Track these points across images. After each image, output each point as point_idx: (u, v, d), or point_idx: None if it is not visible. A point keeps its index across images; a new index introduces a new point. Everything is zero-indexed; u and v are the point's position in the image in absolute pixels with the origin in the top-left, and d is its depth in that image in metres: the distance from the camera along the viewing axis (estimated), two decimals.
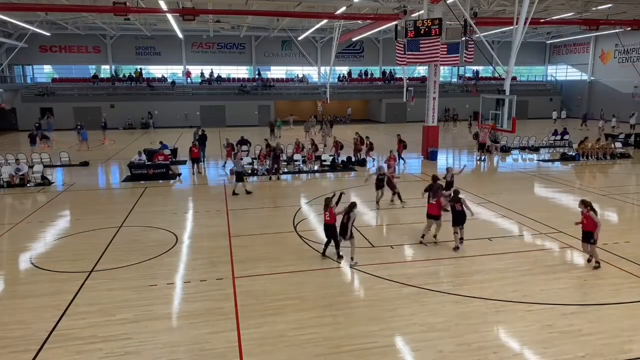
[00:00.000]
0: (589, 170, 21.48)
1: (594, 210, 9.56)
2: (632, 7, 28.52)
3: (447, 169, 14.53)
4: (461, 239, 11.09)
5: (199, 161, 21.26)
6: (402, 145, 21.73)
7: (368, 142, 23.13)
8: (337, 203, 10.39)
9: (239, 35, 42.96)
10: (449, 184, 13.60)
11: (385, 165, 15.34)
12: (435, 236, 11.54)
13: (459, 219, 10.85)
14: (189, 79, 44.59)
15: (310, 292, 8.86)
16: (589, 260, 9.85)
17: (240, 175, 16.82)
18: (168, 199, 16.96)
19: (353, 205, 10.07)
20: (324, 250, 10.48)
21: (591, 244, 9.59)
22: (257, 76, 45.52)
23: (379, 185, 14.66)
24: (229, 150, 21.58)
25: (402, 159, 22.30)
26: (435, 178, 12.20)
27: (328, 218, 10.15)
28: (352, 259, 10.09)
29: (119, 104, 40.90)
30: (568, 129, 30.33)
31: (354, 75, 47.89)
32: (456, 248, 10.92)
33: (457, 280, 9.30)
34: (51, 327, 7.57)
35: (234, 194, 16.62)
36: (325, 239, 10.52)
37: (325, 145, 27.63)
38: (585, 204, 9.64)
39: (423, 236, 11.44)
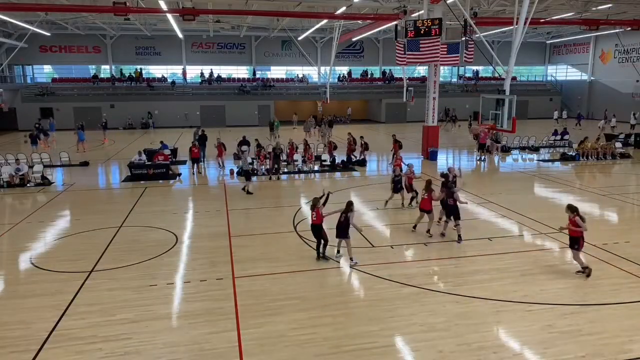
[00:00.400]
0: (589, 170, 21.49)
1: (581, 216, 9.16)
2: (632, 7, 28.53)
3: (449, 169, 14.38)
4: (459, 236, 11.46)
5: (199, 161, 21.27)
6: (397, 145, 21.73)
7: (363, 142, 23.20)
8: (324, 204, 10.36)
9: (239, 35, 42.97)
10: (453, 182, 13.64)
11: (398, 168, 15.19)
12: (428, 231, 11.97)
13: (451, 213, 11.48)
14: (186, 78, 44.53)
15: (310, 292, 8.86)
16: (583, 271, 9.40)
17: (248, 174, 17.07)
18: (168, 199, 16.97)
19: (350, 205, 10.09)
20: (318, 253, 10.42)
21: (575, 249, 9.25)
22: (252, 76, 45.51)
23: (396, 188, 14.41)
24: (220, 149, 21.65)
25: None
26: (446, 176, 12.78)
27: (315, 218, 10.16)
28: (351, 259, 10.09)
29: (119, 104, 40.91)
30: (568, 129, 30.38)
31: (355, 76, 47.90)
32: (442, 234, 11.81)
33: (457, 280, 9.29)
34: (51, 327, 7.57)
35: (244, 189, 16.85)
36: (315, 241, 10.48)
37: (325, 145, 27.63)
38: (571, 209, 9.28)
39: (415, 226, 12.27)
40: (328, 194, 10.72)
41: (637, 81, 38.92)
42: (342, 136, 28.54)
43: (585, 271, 9.34)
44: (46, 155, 22.72)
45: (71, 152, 24.67)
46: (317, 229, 10.20)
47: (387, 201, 14.65)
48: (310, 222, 10.50)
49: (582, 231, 9.15)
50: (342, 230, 10.05)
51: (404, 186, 14.55)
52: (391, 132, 24.68)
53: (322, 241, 10.29)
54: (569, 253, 10.56)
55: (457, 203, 11.39)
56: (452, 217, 11.52)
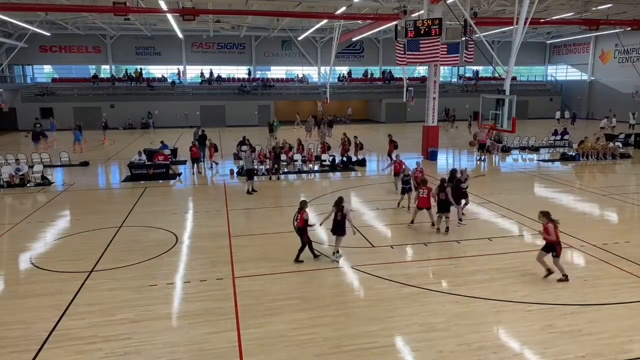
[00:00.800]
0: (589, 170, 21.49)
1: (553, 222, 8.90)
2: (632, 7, 28.54)
3: (461, 171, 13.84)
4: (447, 228, 11.90)
5: (199, 161, 21.27)
6: (393, 145, 21.72)
7: (358, 142, 23.18)
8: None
9: (239, 35, 42.96)
10: (458, 181, 13.58)
11: (407, 169, 15.02)
12: (433, 224, 12.35)
13: (442, 207, 11.83)
14: (181, 79, 44.44)
15: (310, 292, 8.86)
16: (546, 276, 9.12)
17: (251, 174, 17.05)
18: (168, 199, 16.96)
19: (341, 201, 10.11)
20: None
21: (554, 257, 8.98)
22: (248, 76, 45.47)
23: (404, 190, 14.26)
24: (211, 150, 21.64)
25: (391, 158, 22.32)
26: (453, 172, 12.95)
27: (298, 221, 10.12)
28: (333, 254, 10.24)
29: (119, 104, 40.90)
30: (568, 129, 30.38)
31: (356, 76, 47.87)
32: (438, 230, 12.06)
33: (457, 280, 9.29)
34: (51, 327, 7.57)
35: (250, 192, 16.76)
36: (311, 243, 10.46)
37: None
38: (544, 214, 9.04)
39: (412, 221, 12.52)
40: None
41: (638, 92, 38.77)
42: (340, 136, 28.53)
43: (566, 278, 9.08)
44: (46, 155, 22.72)
45: (71, 152, 24.67)
46: (301, 232, 10.17)
47: (406, 205, 14.38)
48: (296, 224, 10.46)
49: (553, 238, 8.83)
50: (340, 227, 10.08)
51: (412, 187, 14.25)
52: (391, 132, 24.66)
53: (302, 244, 10.22)
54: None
55: (447, 198, 11.71)
56: (441, 211, 11.82)
